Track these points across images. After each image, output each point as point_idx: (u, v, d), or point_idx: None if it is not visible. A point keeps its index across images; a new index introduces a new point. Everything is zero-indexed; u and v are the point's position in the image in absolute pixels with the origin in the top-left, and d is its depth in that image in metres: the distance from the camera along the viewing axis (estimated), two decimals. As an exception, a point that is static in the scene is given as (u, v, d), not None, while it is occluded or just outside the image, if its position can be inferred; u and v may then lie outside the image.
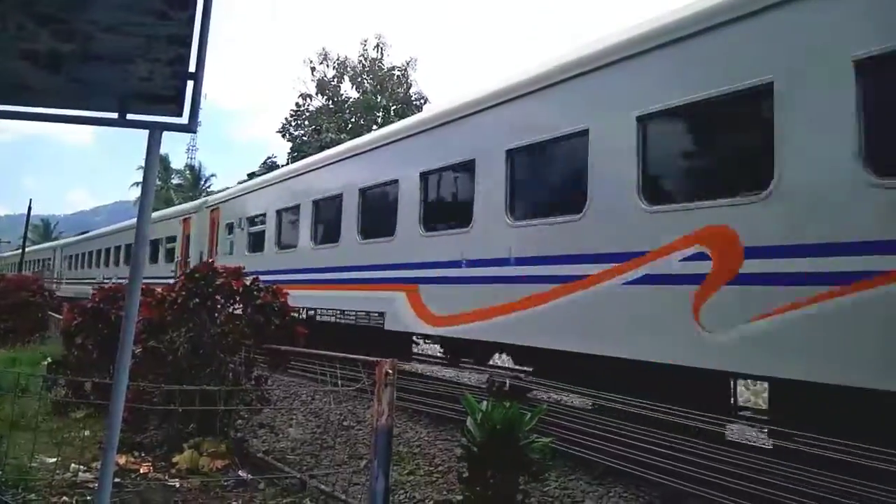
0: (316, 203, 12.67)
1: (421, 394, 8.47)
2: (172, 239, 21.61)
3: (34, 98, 3.20)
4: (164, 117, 3.12)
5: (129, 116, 3.09)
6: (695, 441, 5.48)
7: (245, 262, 10.94)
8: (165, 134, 3.12)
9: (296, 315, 7.64)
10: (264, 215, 15.17)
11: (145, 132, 3.09)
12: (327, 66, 43.38)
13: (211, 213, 18.85)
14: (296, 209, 13.50)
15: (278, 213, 14.44)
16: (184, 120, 3.08)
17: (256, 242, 15.46)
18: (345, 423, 8.50)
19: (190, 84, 2.99)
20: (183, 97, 3.04)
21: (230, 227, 17.21)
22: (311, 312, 12.14)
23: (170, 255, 21.71)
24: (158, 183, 55.86)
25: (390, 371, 4.80)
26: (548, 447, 4.81)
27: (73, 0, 2.82)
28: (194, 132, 3.13)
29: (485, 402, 4.95)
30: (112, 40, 2.92)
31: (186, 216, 21.12)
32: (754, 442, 7.95)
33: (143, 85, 3.08)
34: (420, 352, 14.93)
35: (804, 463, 4.88)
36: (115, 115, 3.10)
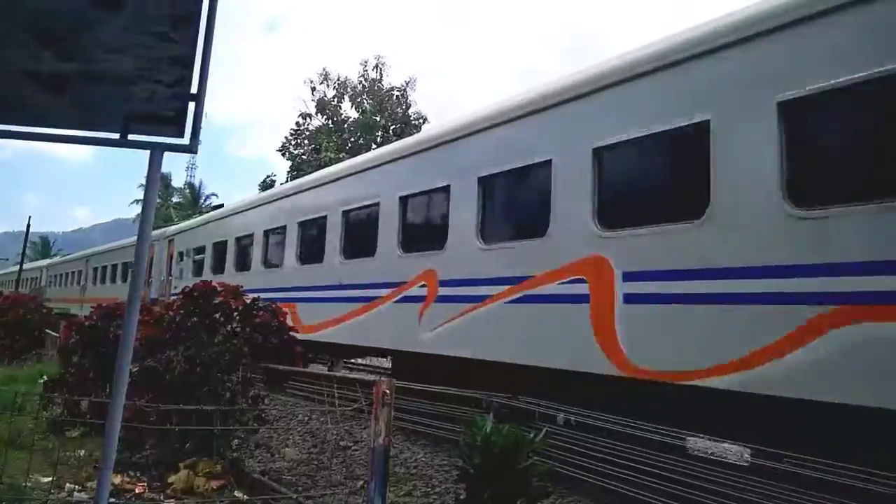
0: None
1: (419, 414, 8.45)
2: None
3: (36, 118, 3.22)
4: (165, 138, 3.14)
5: (131, 137, 3.11)
6: (682, 461, 5.50)
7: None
8: (168, 154, 3.14)
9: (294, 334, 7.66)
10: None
11: (147, 151, 3.11)
12: (327, 85, 43.74)
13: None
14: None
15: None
16: (185, 140, 3.10)
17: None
18: (342, 444, 8.46)
19: (191, 105, 3.02)
20: (184, 118, 3.06)
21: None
22: None
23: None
24: (158, 201, 55.95)
25: (388, 391, 4.80)
26: (549, 471, 4.79)
27: (77, 21, 2.86)
28: (195, 153, 3.15)
29: (485, 424, 4.93)
30: (115, 61, 2.95)
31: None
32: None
33: (144, 106, 3.11)
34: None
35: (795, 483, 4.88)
36: (116, 136, 3.11)
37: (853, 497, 4.45)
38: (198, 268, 19.30)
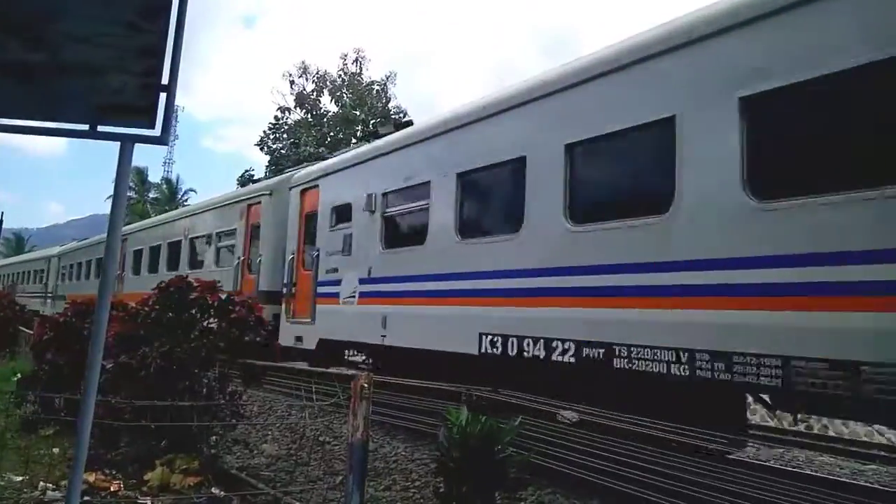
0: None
1: (397, 408, 8.44)
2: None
3: (3, 109, 3.15)
4: (136, 129, 3.09)
5: (101, 128, 3.05)
6: (669, 454, 5.53)
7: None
8: (143, 148, 3.09)
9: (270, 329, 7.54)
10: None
11: (118, 144, 3.05)
12: (306, 79, 43.40)
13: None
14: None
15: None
16: (156, 132, 3.05)
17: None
18: (320, 439, 8.43)
19: (163, 96, 2.97)
20: (156, 109, 3.00)
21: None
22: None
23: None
24: (134, 196, 55.41)
25: (366, 385, 4.77)
26: (526, 461, 4.80)
27: (44, 10, 2.80)
28: (167, 144, 3.09)
29: (462, 416, 4.93)
30: (83, 51, 2.89)
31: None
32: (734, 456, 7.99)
33: (114, 97, 3.05)
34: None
35: (779, 475, 4.94)
36: (86, 127, 3.05)
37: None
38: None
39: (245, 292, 12.16)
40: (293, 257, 12.82)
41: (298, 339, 12.05)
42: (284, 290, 12.94)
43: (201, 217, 18.34)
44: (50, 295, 32.50)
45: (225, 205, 16.94)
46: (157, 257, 20.26)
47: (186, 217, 19.68)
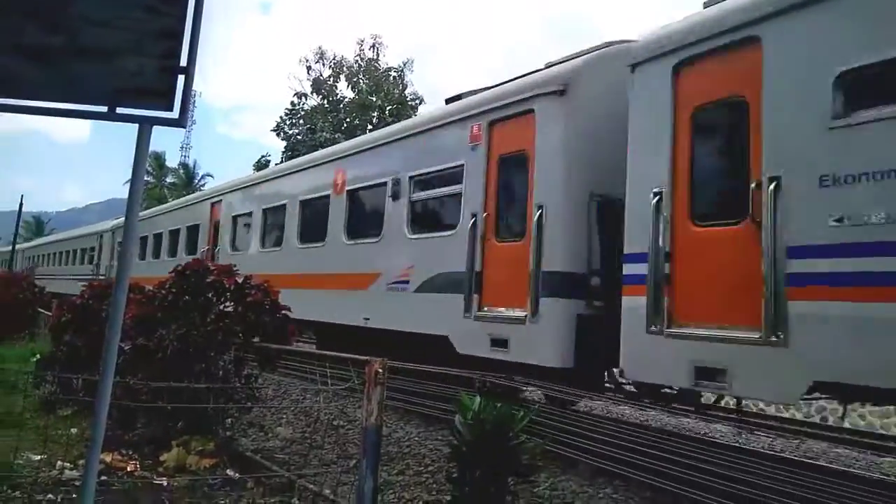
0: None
1: (412, 393, 8.46)
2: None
3: (23, 91, 3.17)
4: (154, 112, 3.09)
5: (119, 110, 3.06)
6: (681, 441, 5.52)
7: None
8: (160, 132, 3.10)
9: (287, 313, 7.54)
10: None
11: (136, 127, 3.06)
12: (323, 65, 43.32)
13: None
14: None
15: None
16: (174, 115, 3.05)
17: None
18: (334, 423, 8.47)
19: (181, 79, 2.98)
20: (173, 92, 3.01)
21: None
22: None
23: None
24: (152, 180, 55.72)
25: (381, 370, 4.78)
26: (539, 448, 4.80)
27: (62, -7, 2.81)
28: (184, 127, 3.11)
29: (476, 401, 4.93)
30: (101, 34, 2.90)
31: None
32: (741, 444, 7.96)
33: (133, 79, 3.05)
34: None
35: (792, 465, 4.92)
36: (104, 109, 3.06)
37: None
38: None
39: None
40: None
41: None
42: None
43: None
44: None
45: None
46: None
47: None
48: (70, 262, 33.84)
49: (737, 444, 7.73)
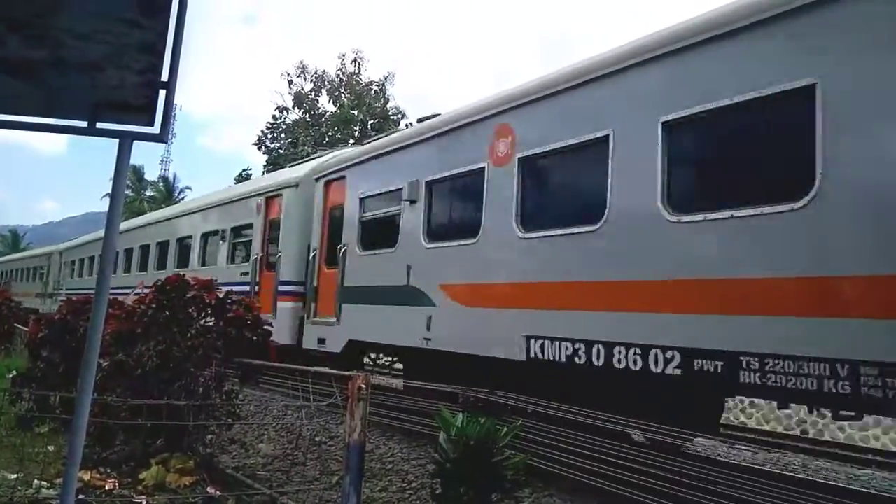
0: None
1: (395, 409, 8.42)
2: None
3: (3, 105, 3.14)
4: (135, 126, 3.07)
5: (99, 125, 3.03)
6: (663, 456, 5.54)
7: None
8: (140, 146, 3.07)
9: (268, 329, 7.49)
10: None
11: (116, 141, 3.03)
12: (305, 79, 43.38)
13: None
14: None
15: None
16: (155, 129, 3.03)
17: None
18: (317, 439, 8.41)
19: (162, 93, 2.95)
20: (155, 106, 2.99)
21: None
22: None
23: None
24: (131, 194, 55.22)
25: (363, 386, 4.76)
26: (523, 463, 4.79)
27: (44, 6, 2.78)
28: (165, 142, 3.08)
29: (459, 417, 4.92)
30: (83, 48, 2.87)
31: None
32: (723, 457, 8.00)
33: (113, 94, 3.03)
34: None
35: (772, 479, 4.94)
36: (84, 124, 3.04)
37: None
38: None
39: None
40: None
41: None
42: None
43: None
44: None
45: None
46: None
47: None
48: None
49: (718, 458, 7.77)
